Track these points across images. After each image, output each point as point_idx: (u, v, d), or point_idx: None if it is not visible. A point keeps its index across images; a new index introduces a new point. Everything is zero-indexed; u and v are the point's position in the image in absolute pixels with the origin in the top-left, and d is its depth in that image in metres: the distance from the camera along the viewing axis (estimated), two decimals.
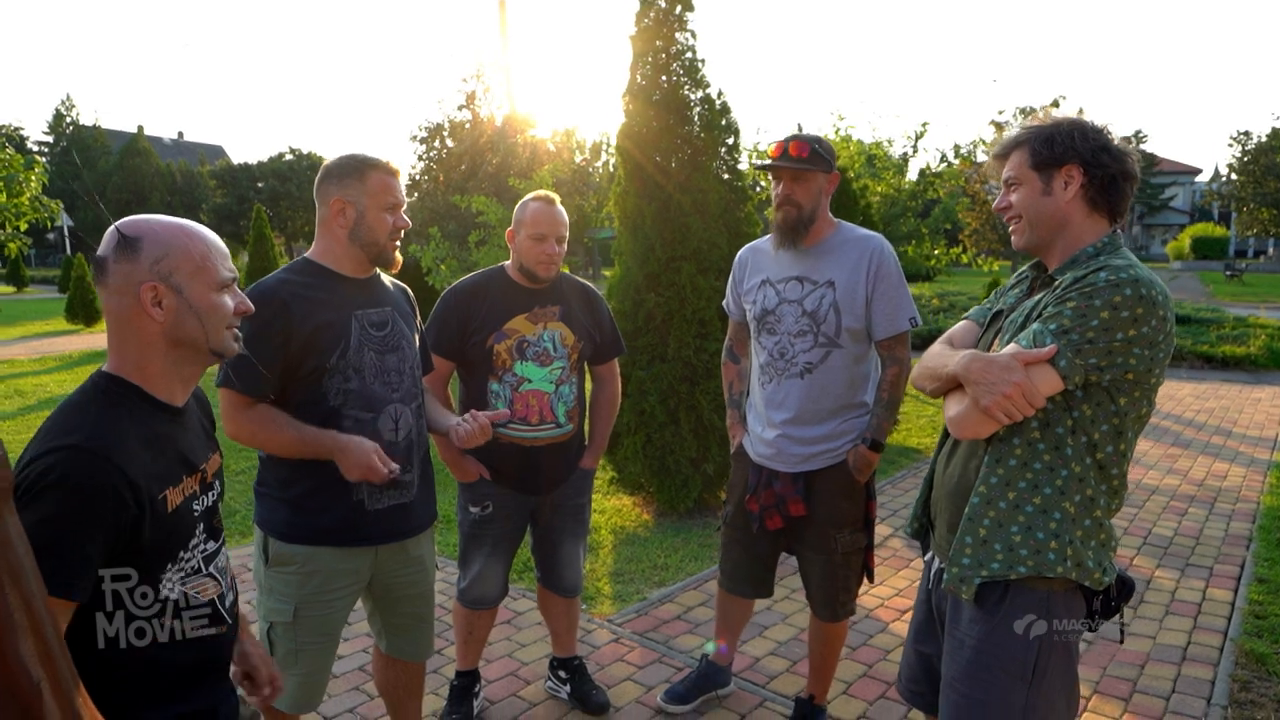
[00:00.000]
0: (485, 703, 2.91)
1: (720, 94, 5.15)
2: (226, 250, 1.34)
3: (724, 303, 2.77)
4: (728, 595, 2.80)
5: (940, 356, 1.64)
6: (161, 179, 44.09)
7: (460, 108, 14.83)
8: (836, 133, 10.83)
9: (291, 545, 1.98)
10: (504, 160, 13.82)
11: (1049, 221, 1.60)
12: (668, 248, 4.76)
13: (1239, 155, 39.99)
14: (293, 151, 42.43)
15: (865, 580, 2.63)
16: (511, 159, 13.81)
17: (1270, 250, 43.92)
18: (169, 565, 1.24)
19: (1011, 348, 1.52)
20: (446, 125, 14.83)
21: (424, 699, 2.90)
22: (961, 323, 1.81)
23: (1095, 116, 1.61)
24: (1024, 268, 1.78)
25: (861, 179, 9.93)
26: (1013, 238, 1.68)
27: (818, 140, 2.46)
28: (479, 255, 10.34)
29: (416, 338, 2.19)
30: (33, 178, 17.76)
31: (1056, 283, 1.56)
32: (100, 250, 1.27)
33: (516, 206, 2.61)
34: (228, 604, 1.37)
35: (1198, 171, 54.88)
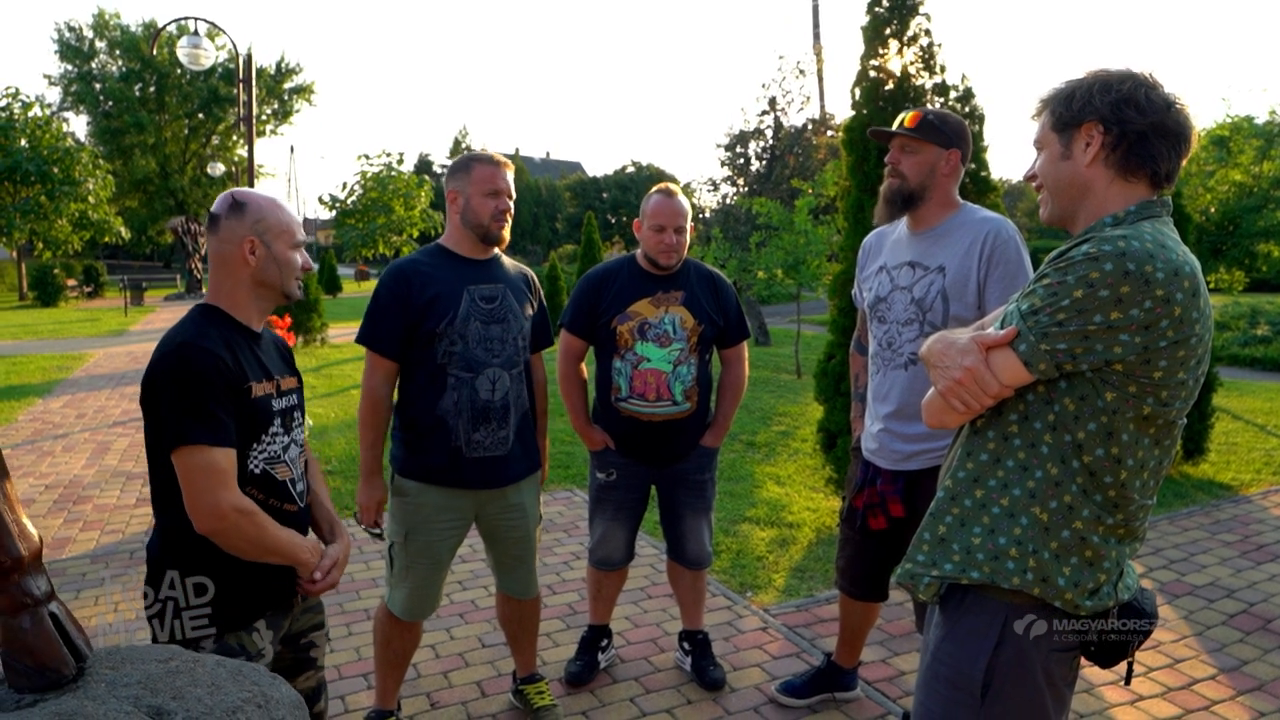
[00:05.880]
0: (616, 659, 3.13)
1: (964, 78, 4.82)
2: (300, 221, 1.77)
3: (852, 292, 2.68)
4: (843, 594, 2.71)
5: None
6: (530, 192, 50.78)
7: (761, 114, 15.16)
8: None
9: (405, 480, 2.39)
10: (801, 163, 13.86)
11: (1069, 189, 1.40)
12: None
13: None
14: (634, 164, 46.36)
15: None
16: (808, 161, 13.81)
17: None
18: (254, 444, 1.65)
19: (990, 330, 1.38)
20: (751, 130, 15.25)
21: (563, 647, 3.22)
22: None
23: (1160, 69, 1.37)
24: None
25: (1207, 165, 8.28)
26: (1040, 211, 1.49)
27: (940, 115, 2.32)
28: (758, 256, 10.55)
29: (528, 315, 2.49)
30: (422, 194, 21.81)
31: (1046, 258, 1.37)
32: (214, 209, 1.71)
33: (644, 198, 2.80)
34: (298, 489, 1.77)
35: None
